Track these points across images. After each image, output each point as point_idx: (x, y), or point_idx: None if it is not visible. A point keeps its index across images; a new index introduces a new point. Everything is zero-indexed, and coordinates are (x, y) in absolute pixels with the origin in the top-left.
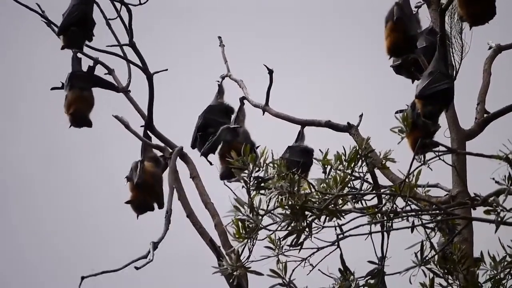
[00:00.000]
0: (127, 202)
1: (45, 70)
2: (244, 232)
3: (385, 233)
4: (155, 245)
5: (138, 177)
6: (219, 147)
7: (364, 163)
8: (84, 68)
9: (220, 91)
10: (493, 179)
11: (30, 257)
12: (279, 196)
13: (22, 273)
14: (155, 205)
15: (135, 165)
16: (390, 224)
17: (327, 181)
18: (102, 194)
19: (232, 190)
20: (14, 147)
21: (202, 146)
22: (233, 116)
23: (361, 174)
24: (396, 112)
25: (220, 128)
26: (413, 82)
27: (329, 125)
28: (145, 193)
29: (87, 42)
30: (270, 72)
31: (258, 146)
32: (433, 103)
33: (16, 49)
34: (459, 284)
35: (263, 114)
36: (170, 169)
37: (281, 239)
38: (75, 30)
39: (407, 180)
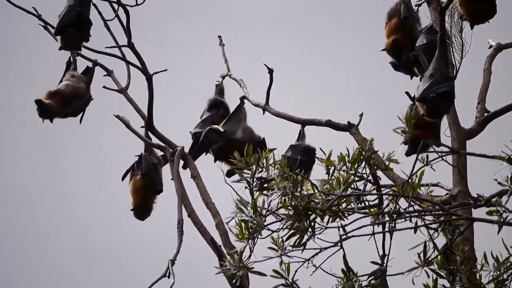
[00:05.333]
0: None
1: (43, 71)
2: (247, 232)
3: (388, 233)
4: (173, 262)
5: (161, 184)
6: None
7: (367, 164)
8: (81, 69)
9: (220, 90)
10: (496, 180)
11: (31, 258)
12: (282, 197)
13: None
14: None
15: (151, 163)
16: (393, 225)
17: (330, 181)
18: (101, 193)
19: (234, 190)
20: (14, 148)
21: (192, 149)
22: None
23: (364, 175)
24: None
25: (204, 130)
26: (411, 79)
27: (330, 124)
28: (149, 197)
29: (85, 44)
30: (270, 71)
31: (263, 138)
32: (434, 106)
33: (15, 50)
34: (462, 285)
35: (263, 114)
36: (174, 174)
37: (284, 240)
38: (73, 31)
39: (410, 180)
